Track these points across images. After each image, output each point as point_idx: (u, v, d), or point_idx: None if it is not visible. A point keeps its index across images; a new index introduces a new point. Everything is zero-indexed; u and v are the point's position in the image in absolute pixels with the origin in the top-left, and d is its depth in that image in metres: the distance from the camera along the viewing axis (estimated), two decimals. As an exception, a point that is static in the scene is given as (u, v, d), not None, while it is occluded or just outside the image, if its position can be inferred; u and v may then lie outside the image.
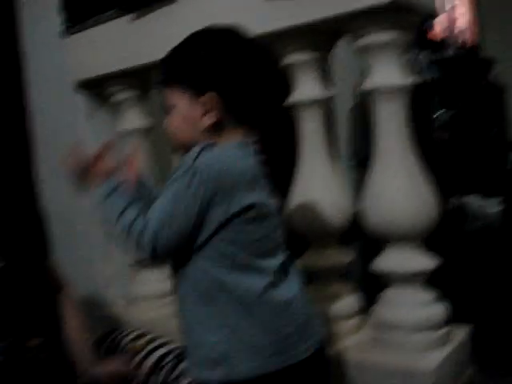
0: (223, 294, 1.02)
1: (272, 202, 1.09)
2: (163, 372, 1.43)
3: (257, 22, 1.37)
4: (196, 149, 1.03)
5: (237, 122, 1.07)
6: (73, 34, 2.05)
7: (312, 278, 1.63)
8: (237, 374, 1.02)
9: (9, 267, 1.27)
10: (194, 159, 1.01)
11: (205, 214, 1.00)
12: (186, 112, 1.06)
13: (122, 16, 1.88)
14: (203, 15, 1.54)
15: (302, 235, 1.61)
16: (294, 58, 1.50)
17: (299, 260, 1.60)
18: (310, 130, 1.54)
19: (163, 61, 1.11)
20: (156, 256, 1.00)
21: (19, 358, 1.32)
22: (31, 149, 2.32)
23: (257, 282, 1.03)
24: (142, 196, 1.11)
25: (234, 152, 1.03)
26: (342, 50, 1.66)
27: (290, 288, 1.08)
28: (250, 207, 1.01)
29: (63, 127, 2.18)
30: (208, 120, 1.05)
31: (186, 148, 1.07)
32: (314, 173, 1.56)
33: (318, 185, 1.55)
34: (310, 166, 1.57)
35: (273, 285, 1.04)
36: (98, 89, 2.10)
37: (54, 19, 2.08)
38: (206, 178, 0.98)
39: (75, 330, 1.45)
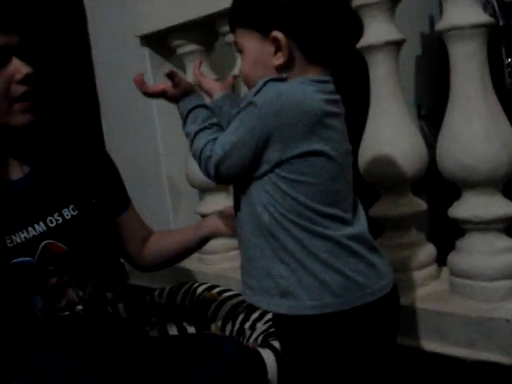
0: (284, 232, 1.00)
1: (339, 146, 1.03)
2: (238, 321, 1.45)
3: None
4: (260, 82, 0.99)
5: (308, 61, 1.02)
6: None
7: (384, 227, 1.62)
8: (303, 309, 1.01)
9: (82, 216, 1.29)
10: (256, 92, 0.98)
11: (262, 151, 0.98)
12: (255, 53, 1.04)
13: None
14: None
15: (373, 183, 1.58)
16: (365, -1, 1.46)
17: (370, 209, 1.59)
18: (383, 73, 1.50)
19: (231, 3, 1.08)
20: (221, 181, 1.05)
21: (98, 309, 1.34)
22: (98, 104, 2.36)
23: (322, 224, 1.00)
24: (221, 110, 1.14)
25: (303, 88, 0.99)
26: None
27: (359, 224, 1.05)
28: (310, 153, 0.98)
29: (130, 82, 2.19)
30: (278, 59, 1.01)
31: None
32: (387, 118, 1.52)
33: (391, 131, 1.51)
34: (383, 110, 1.52)
35: (339, 224, 1.02)
36: (163, 43, 2.09)
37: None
38: (266, 113, 0.96)
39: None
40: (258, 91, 0.98)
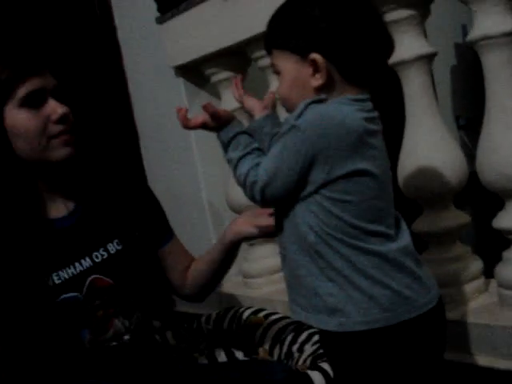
0: (330, 250, 1.01)
1: (381, 163, 1.04)
2: (285, 343, 1.44)
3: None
4: (301, 104, 1.00)
5: (348, 83, 1.03)
6: (166, 20, 2.09)
7: (428, 242, 1.60)
8: (352, 326, 1.01)
9: (126, 250, 1.31)
10: (299, 115, 0.99)
11: (307, 173, 0.99)
12: (293, 75, 1.04)
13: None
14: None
15: (414, 198, 1.57)
16: (397, 14, 1.46)
17: (413, 224, 1.57)
18: (417, 87, 1.49)
19: (269, 21, 1.09)
20: (266, 205, 1.09)
21: (146, 338, 1.35)
22: (136, 135, 2.41)
23: (367, 240, 1.01)
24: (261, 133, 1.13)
25: (343, 108, 1.00)
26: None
27: (403, 238, 1.06)
28: (354, 172, 0.99)
29: (167, 112, 2.24)
30: (316, 81, 1.02)
31: None
32: (424, 131, 1.51)
33: (428, 144, 1.50)
34: (419, 124, 1.51)
35: (384, 240, 1.02)
36: (197, 71, 2.13)
37: (149, 7, 2.13)
38: (309, 135, 0.97)
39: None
40: (300, 114, 0.99)
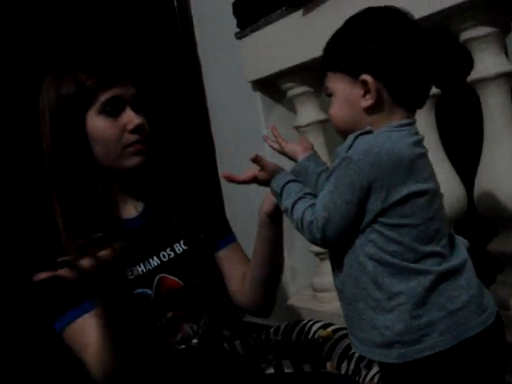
0: (389, 278, 1.01)
1: (432, 183, 1.05)
2: (353, 359, 1.43)
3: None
4: (350, 136, 1.03)
5: (397, 104, 1.05)
6: (245, 35, 2.13)
7: (504, 263, 1.56)
8: (412, 355, 1.01)
9: (192, 251, 1.35)
10: (349, 147, 1.01)
11: (364, 203, 1.00)
12: (345, 95, 1.07)
13: (290, 13, 1.92)
14: (372, 3, 1.53)
15: (491, 218, 1.54)
16: (474, 32, 1.45)
17: (489, 244, 1.54)
18: (496, 105, 1.47)
19: (325, 44, 1.12)
20: (327, 244, 1.07)
21: (213, 343, 1.38)
22: (212, 146, 2.46)
23: (424, 262, 1.01)
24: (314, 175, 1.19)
25: (391, 136, 1.01)
26: None
27: (457, 257, 1.05)
28: (409, 196, 1.00)
29: (243, 125, 2.29)
30: (366, 101, 1.04)
31: (346, 135, 1.07)
32: (502, 150, 1.48)
33: (507, 163, 1.47)
34: (497, 143, 1.49)
35: (440, 260, 1.02)
36: (273, 86, 2.16)
37: (228, 22, 2.18)
38: (362, 166, 0.98)
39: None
40: (350, 146, 1.01)
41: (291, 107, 2.18)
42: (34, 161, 1.39)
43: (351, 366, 1.43)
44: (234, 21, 2.15)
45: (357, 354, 1.44)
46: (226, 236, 1.49)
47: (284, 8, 1.94)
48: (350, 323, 1.11)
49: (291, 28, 1.94)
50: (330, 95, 1.11)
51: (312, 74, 2.03)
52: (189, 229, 1.36)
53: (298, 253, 2.23)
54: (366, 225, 1.02)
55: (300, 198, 1.09)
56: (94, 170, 1.27)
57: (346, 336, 1.51)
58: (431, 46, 1.07)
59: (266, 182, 1.19)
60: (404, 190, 0.99)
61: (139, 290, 1.26)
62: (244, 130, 2.28)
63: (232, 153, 2.36)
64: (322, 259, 2.09)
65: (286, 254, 2.22)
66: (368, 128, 1.04)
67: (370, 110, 1.05)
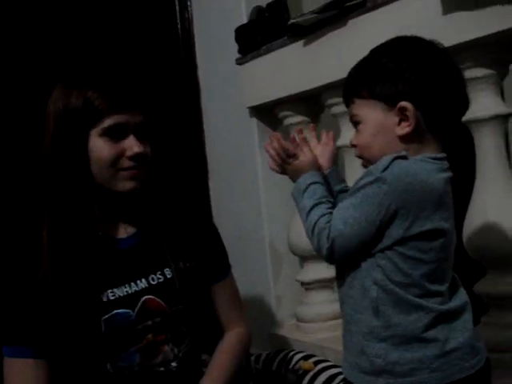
0: (390, 307, 1.00)
1: (451, 224, 1.05)
2: (334, 392, 1.42)
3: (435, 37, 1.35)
4: (387, 158, 1.00)
5: (430, 134, 1.04)
6: (246, 62, 2.15)
7: (490, 305, 1.55)
8: None
9: (181, 278, 1.33)
10: (385, 169, 0.99)
11: (386, 227, 0.99)
12: (378, 123, 1.05)
13: (292, 43, 1.94)
14: (374, 37, 1.55)
15: (479, 258, 1.53)
16: (473, 72, 1.46)
17: (476, 285, 1.54)
18: (490, 146, 1.48)
19: (349, 73, 1.11)
20: (331, 258, 1.04)
21: (192, 368, 1.37)
22: (207, 171, 2.46)
23: (426, 299, 1.00)
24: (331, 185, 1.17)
25: (426, 166, 1.00)
26: None
27: (457, 299, 1.05)
28: (431, 231, 0.99)
29: (237, 151, 2.29)
30: (402, 129, 1.03)
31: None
32: (493, 190, 1.49)
33: (498, 203, 1.47)
34: (489, 182, 1.49)
35: (442, 300, 1.02)
36: (270, 114, 2.17)
37: (229, 48, 2.19)
38: (394, 189, 0.97)
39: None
40: (386, 167, 0.99)
41: (287, 136, 2.18)
42: (33, 165, 1.37)
43: (331, 399, 1.41)
44: (236, 46, 2.17)
45: (338, 387, 1.43)
46: (222, 272, 1.47)
47: (286, 37, 1.96)
48: (344, 343, 1.09)
49: (292, 57, 1.96)
50: (357, 123, 1.09)
51: (310, 103, 2.05)
52: (176, 257, 1.35)
53: (284, 282, 2.22)
54: (380, 250, 1.01)
55: (321, 203, 1.07)
56: (89, 186, 1.26)
57: (327, 368, 1.49)
58: (462, 75, 1.08)
59: (294, 171, 1.15)
60: (428, 224, 0.99)
61: (119, 310, 1.25)
62: (238, 156, 2.28)
63: (224, 178, 2.36)
64: (307, 289, 2.08)
65: (271, 282, 2.24)
66: (404, 153, 1.02)
67: (405, 138, 1.03)
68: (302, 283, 2.08)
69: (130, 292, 1.27)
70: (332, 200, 1.09)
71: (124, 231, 1.34)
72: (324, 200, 1.07)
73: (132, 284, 1.28)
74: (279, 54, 2.01)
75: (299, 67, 1.93)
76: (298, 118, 2.07)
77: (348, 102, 1.11)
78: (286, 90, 2.00)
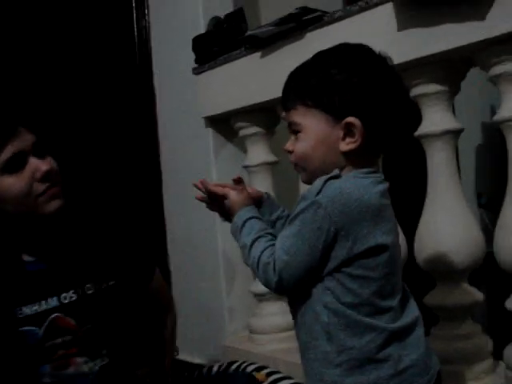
0: (342, 331, 0.99)
1: (395, 236, 1.05)
2: (285, 404, 1.42)
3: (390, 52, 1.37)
4: (319, 181, 0.99)
5: (373, 150, 1.03)
6: (203, 71, 2.14)
7: (439, 317, 1.58)
8: None
9: (118, 286, 1.32)
10: (318, 192, 0.98)
11: (329, 249, 0.98)
12: (321, 135, 1.02)
13: (249, 54, 1.95)
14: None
15: (429, 271, 1.56)
16: (425, 88, 1.48)
17: (426, 297, 1.56)
18: (441, 161, 1.51)
19: (292, 78, 1.07)
20: (281, 290, 1.02)
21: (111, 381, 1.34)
22: (161, 180, 2.44)
23: (378, 318, 1.00)
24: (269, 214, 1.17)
25: (361, 182, 0.99)
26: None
27: (411, 314, 1.04)
28: (374, 248, 0.98)
29: (192, 160, 2.28)
30: (347, 145, 1.00)
31: (311, 174, 1.04)
32: (443, 205, 1.52)
33: (447, 218, 1.51)
34: (439, 197, 1.52)
35: (394, 316, 1.01)
36: (226, 124, 2.17)
37: (186, 57, 2.19)
38: (331, 212, 0.95)
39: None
40: (320, 191, 0.97)
41: (242, 147, 2.19)
42: None
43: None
44: (193, 56, 2.16)
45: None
46: (146, 282, 1.46)
47: (243, 48, 1.96)
48: (303, 369, 1.08)
49: (249, 69, 1.97)
50: (296, 131, 1.05)
51: (265, 115, 2.05)
52: (98, 274, 1.31)
53: (237, 293, 2.21)
54: (328, 272, 0.99)
55: (260, 237, 1.04)
56: (2, 219, 1.22)
57: (279, 380, 1.49)
58: (407, 93, 1.07)
59: (228, 212, 1.14)
60: (371, 241, 0.97)
61: (26, 328, 1.23)
62: (193, 166, 2.27)
63: (179, 188, 2.35)
64: (260, 300, 2.08)
65: (224, 294, 2.23)
66: (336, 172, 1.00)
67: (347, 153, 1.01)
68: (255, 294, 2.08)
69: (38, 310, 1.25)
70: (271, 231, 1.07)
71: (37, 251, 1.29)
72: (262, 233, 1.05)
73: (42, 302, 1.25)
74: (236, 64, 2.01)
75: (255, 79, 1.94)
76: (254, 129, 2.08)
77: (288, 107, 1.06)
78: (242, 101, 2.01)
